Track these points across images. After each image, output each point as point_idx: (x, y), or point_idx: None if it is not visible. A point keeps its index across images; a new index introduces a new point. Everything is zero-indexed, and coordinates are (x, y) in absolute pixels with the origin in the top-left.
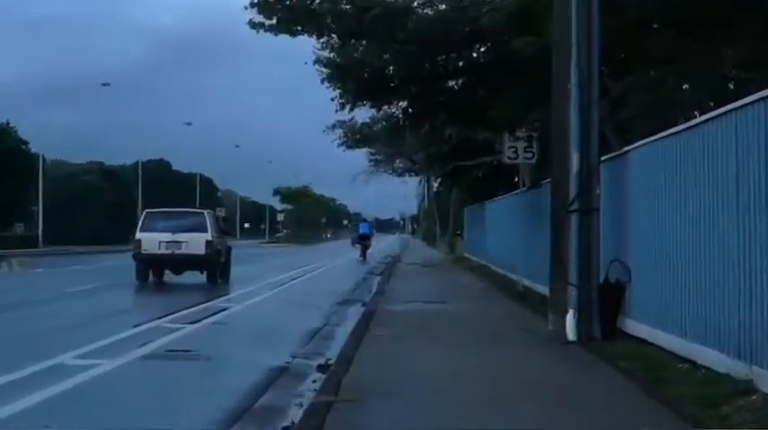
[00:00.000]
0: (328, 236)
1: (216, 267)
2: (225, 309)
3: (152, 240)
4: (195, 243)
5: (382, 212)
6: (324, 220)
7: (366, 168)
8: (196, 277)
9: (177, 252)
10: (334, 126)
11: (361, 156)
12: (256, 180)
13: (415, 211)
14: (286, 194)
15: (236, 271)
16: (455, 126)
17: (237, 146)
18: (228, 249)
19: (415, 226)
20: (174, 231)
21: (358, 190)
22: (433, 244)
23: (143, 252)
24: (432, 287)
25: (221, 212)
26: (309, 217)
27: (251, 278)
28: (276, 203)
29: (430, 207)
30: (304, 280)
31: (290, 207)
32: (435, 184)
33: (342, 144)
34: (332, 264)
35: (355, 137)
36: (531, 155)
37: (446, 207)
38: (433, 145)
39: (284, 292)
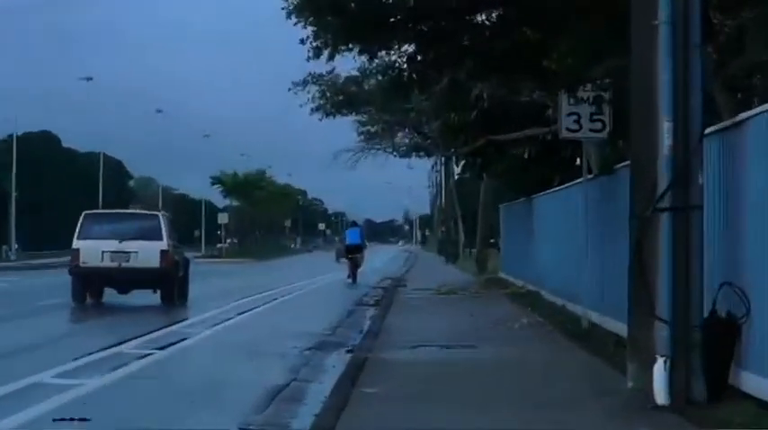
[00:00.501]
0: (296, 246)
1: (173, 284)
2: (145, 356)
3: (93, 250)
4: (147, 253)
5: (378, 212)
6: (289, 223)
7: (353, 145)
8: (135, 298)
9: (125, 265)
10: (305, 82)
11: (345, 126)
12: (187, 162)
13: (426, 210)
14: (231, 184)
15: (158, 299)
16: (487, 82)
17: (159, 111)
18: (186, 262)
19: (427, 232)
20: (120, 239)
21: (341, 178)
22: (453, 258)
23: (82, 265)
24: (451, 324)
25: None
26: (267, 218)
27: (181, 310)
28: (217, 198)
29: (449, 203)
30: (260, 312)
31: (237, 203)
32: (457, 169)
33: (317, 109)
34: (303, 289)
35: (337, 98)
36: (600, 125)
37: (473, 203)
38: (455, 110)
39: (230, 331)
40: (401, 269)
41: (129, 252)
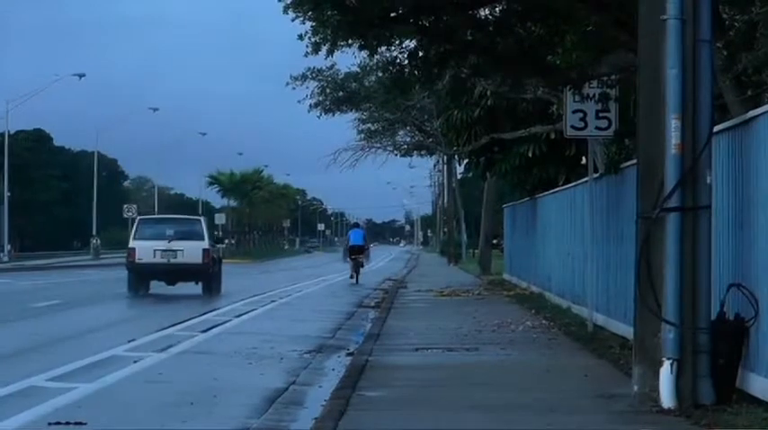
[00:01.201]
0: (294, 247)
1: (212, 277)
2: (140, 360)
3: (146, 248)
4: (192, 252)
5: (379, 212)
6: (287, 224)
7: (353, 143)
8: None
9: (173, 261)
10: (303, 77)
11: (345, 124)
12: (183, 162)
13: (428, 210)
14: (228, 184)
15: (154, 301)
16: (490, 79)
17: (155, 109)
18: (220, 260)
19: (429, 232)
20: (169, 239)
21: (341, 177)
22: (455, 259)
23: (137, 261)
24: (454, 326)
25: (131, 211)
26: (265, 218)
27: (176, 312)
28: (214, 197)
29: (451, 203)
30: (258, 315)
31: (234, 203)
32: (460, 168)
33: (316, 106)
34: (302, 290)
35: (336, 94)
36: (606, 123)
37: (476, 203)
38: (458, 107)
39: (228, 334)
40: (402, 270)
41: (177, 250)
